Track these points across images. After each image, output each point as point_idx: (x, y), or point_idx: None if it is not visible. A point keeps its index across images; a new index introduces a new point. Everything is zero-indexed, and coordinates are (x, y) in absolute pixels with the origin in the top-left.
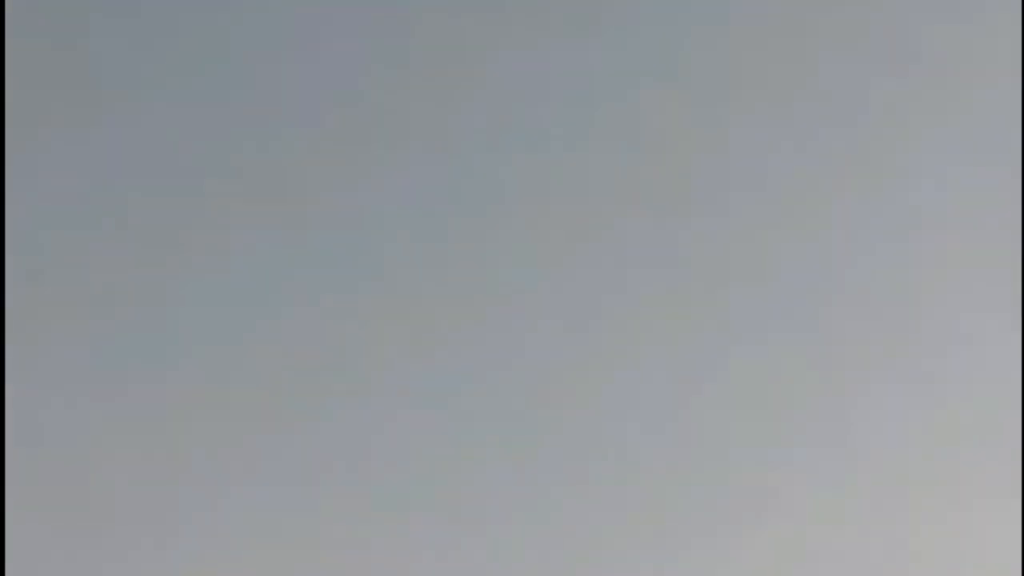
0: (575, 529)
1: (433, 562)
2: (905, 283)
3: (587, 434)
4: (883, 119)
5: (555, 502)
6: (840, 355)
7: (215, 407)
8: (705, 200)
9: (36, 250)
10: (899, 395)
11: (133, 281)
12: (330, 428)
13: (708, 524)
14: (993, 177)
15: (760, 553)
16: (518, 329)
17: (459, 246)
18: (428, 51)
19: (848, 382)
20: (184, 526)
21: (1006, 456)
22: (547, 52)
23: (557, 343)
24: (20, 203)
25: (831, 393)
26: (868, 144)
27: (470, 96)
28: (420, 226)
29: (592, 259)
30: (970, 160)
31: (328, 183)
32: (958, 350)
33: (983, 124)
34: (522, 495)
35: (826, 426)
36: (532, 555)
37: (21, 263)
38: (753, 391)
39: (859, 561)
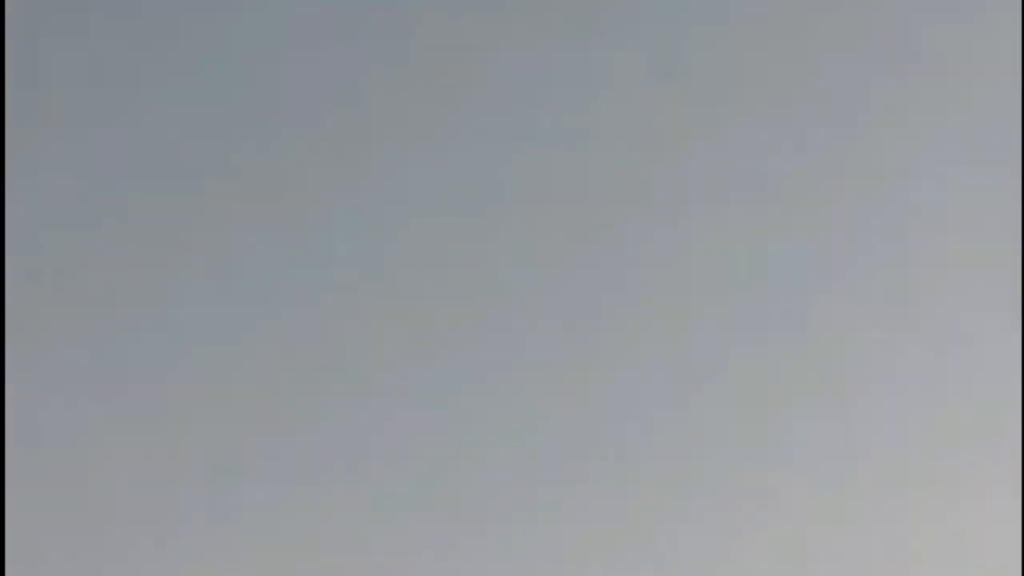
0: (575, 529)
1: (433, 562)
2: (905, 283)
3: (587, 434)
4: (883, 119)
5: (555, 502)
6: (840, 355)
7: (215, 407)
8: (705, 200)
9: (36, 250)
10: (899, 395)
11: (133, 281)
12: (330, 428)
13: (708, 524)
14: (993, 177)
15: (760, 553)
16: (518, 329)
17: (459, 246)
18: (428, 51)
19: (848, 382)
20: (184, 526)
21: (1006, 456)
22: (547, 52)
23: (557, 343)
24: (20, 203)
25: (831, 393)
26: (868, 144)
27: (470, 96)
28: (420, 226)
29: (592, 259)
30: (970, 160)
31: (328, 183)
32: (958, 350)
33: (983, 124)
34: (522, 495)
35: (826, 426)
36: (532, 555)
37: (21, 263)
38: (753, 391)
39: (859, 561)
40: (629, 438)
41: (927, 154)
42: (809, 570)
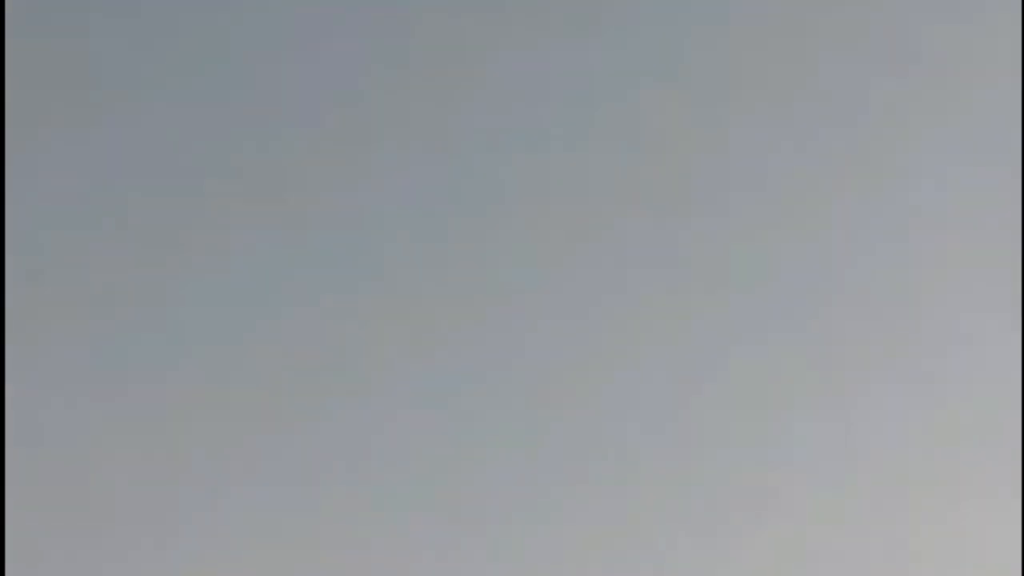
0: (575, 529)
1: (433, 562)
2: (905, 283)
3: (587, 434)
4: (883, 119)
5: (555, 502)
6: (840, 355)
7: (215, 407)
8: (705, 200)
9: (36, 250)
10: (899, 395)
11: (133, 281)
12: (330, 428)
13: (708, 524)
14: (993, 177)
15: (760, 553)
16: (518, 329)
17: (459, 246)
18: (428, 51)
19: (848, 382)
20: (184, 526)
21: (1006, 456)
22: (547, 52)
23: (557, 343)
24: (20, 203)
25: (831, 393)
26: (868, 144)
27: (470, 96)
28: (420, 226)
29: (592, 259)
30: (970, 160)
31: (328, 183)
32: (958, 350)
33: (983, 124)
34: (522, 495)
35: (826, 426)
36: (532, 555)
37: (21, 263)
38: (753, 391)
39: (859, 561)
40: (629, 438)
41: (927, 154)
42: (809, 570)
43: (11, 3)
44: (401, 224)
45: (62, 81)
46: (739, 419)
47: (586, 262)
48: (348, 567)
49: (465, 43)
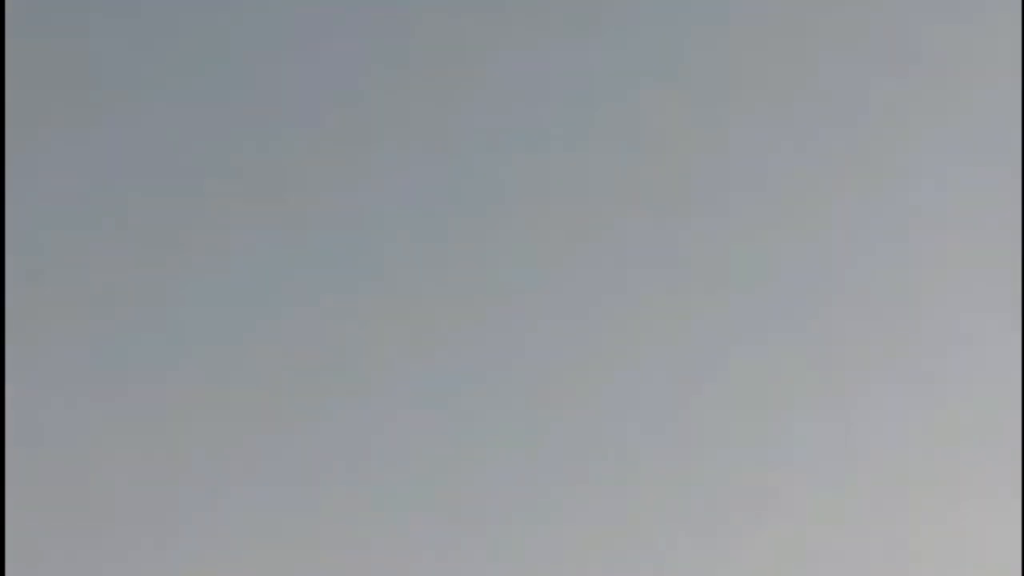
0: (575, 529)
1: (433, 562)
2: (905, 283)
3: (587, 434)
4: (883, 119)
5: (555, 502)
6: (840, 355)
7: (215, 407)
8: (705, 200)
9: (36, 250)
10: (899, 395)
11: (133, 281)
12: (330, 428)
13: (708, 524)
14: (993, 177)
15: (760, 553)
16: (518, 329)
17: (459, 246)
18: (428, 51)
19: (848, 382)
20: (184, 526)
21: (1006, 456)
22: (547, 52)
23: (557, 343)
24: (20, 203)
25: (831, 393)
26: (868, 144)
27: (470, 96)
28: (420, 226)
29: (592, 259)
30: (970, 160)
31: (328, 183)
32: (958, 350)
33: (983, 124)
34: (522, 495)
35: (826, 426)
36: (532, 555)
37: (21, 263)
38: (753, 391)
39: (859, 561)
40: (629, 438)
41: (927, 154)
42: (809, 570)
43: (11, 3)
44: (401, 224)
45: (62, 81)
46: (739, 419)
47: (586, 262)
48: (348, 567)
49: (465, 43)
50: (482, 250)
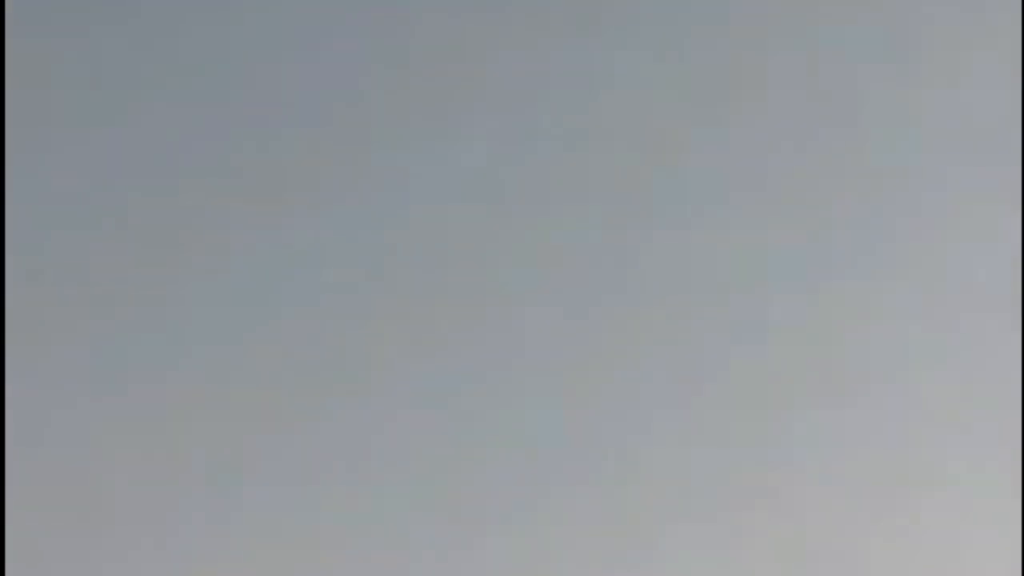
0: (575, 529)
1: (433, 562)
2: (905, 283)
3: (587, 434)
4: (883, 119)
5: (555, 502)
6: (840, 354)
7: (215, 407)
8: (705, 200)
9: (36, 250)
10: (899, 395)
11: (133, 281)
12: (330, 428)
13: (708, 524)
14: (993, 177)
15: (760, 553)
16: (518, 329)
17: (459, 246)
18: (428, 51)
19: (848, 382)
20: (184, 526)
21: (1006, 456)
22: (547, 52)
23: (557, 343)
24: (20, 203)
25: (831, 393)
26: (868, 144)
27: (470, 96)
28: (420, 226)
29: (592, 259)
30: (970, 160)
31: (328, 183)
32: (958, 350)
33: (983, 124)
34: (522, 495)
35: (826, 426)
36: (532, 555)
37: (21, 263)
38: (753, 391)
39: (859, 561)
40: (629, 438)
41: (927, 154)
42: (809, 570)
43: (11, 3)
44: (401, 224)
45: (62, 81)
46: (739, 419)
47: (586, 262)
48: (348, 567)
49: (465, 43)
50: (482, 250)
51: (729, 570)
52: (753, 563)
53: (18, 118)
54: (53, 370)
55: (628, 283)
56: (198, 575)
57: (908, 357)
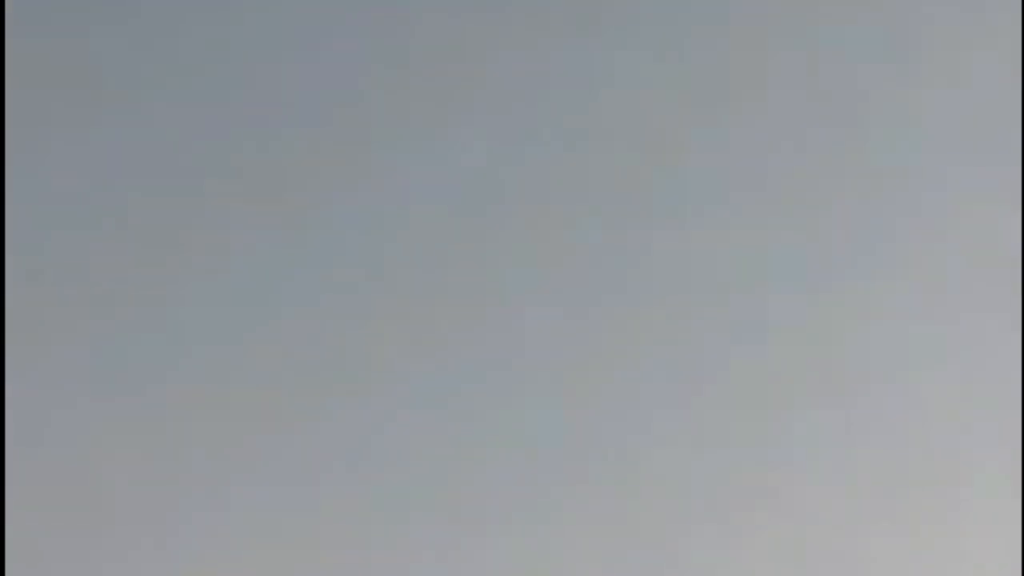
0: (575, 529)
1: (433, 562)
2: (905, 283)
3: (587, 434)
4: (883, 119)
5: (555, 502)
6: (840, 354)
7: (215, 407)
8: (705, 200)
9: (36, 250)
10: (899, 395)
11: (133, 281)
12: (330, 428)
13: (708, 524)
14: (993, 177)
15: (760, 553)
16: (518, 329)
17: (459, 246)
18: (428, 51)
19: (848, 382)
20: (184, 526)
21: (1006, 456)
22: (547, 52)
23: (557, 343)
24: (20, 203)
25: (831, 393)
26: (868, 144)
27: (470, 96)
28: (420, 226)
29: (592, 259)
30: (970, 160)
31: (328, 183)
32: (958, 349)
33: (983, 124)
34: (522, 495)
35: (826, 426)
36: (532, 555)
37: (21, 263)
38: (753, 391)
39: (859, 561)
40: (629, 438)
41: (927, 154)
42: (809, 570)
43: (11, 3)
44: (401, 224)
45: (62, 81)
46: (739, 419)
47: (586, 262)
48: (348, 567)
49: (465, 43)
50: (482, 250)
51: (729, 570)
52: (753, 563)
53: (18, 118)
54: (53, 370)
55: (628, 283)
56: (198, 575)
57: (908, 357)
